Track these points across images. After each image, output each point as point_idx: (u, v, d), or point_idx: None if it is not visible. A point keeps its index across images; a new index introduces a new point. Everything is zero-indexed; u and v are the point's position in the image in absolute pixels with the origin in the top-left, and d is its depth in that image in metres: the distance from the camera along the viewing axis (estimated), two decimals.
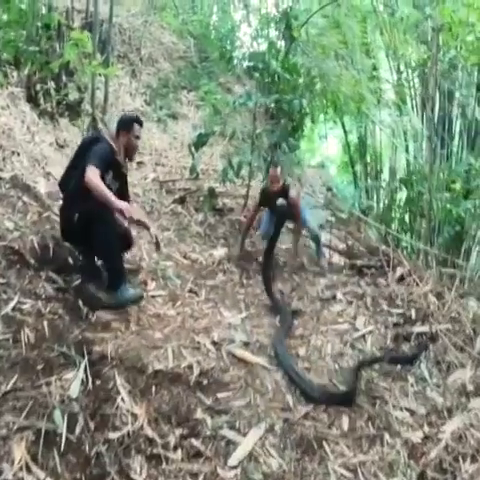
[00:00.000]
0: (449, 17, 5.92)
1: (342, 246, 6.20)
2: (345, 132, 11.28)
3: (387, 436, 2.76)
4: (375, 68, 8.94)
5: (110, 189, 3.53)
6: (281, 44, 7.76)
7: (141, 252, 4.76)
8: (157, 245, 3.83)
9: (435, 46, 6.17)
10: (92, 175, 3.39)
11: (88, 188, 3.36)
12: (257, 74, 6.98)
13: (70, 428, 2.29)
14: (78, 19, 8.27)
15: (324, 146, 16.30)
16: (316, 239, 5.79)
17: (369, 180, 10.41)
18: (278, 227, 4.89)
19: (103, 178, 3.52)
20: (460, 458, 2.43)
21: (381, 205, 9.16)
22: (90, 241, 3.62)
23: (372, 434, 2.77)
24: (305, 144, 11.14)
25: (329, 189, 11.20)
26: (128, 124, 3.99)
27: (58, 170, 5.23)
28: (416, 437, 2.76)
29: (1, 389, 2.41)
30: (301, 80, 7.45)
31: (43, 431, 2.21)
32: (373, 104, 8.02)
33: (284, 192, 5.36)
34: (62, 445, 2.19)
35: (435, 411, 3.03)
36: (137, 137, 4.05)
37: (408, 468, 2.49)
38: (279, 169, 5.52)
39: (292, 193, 5.43)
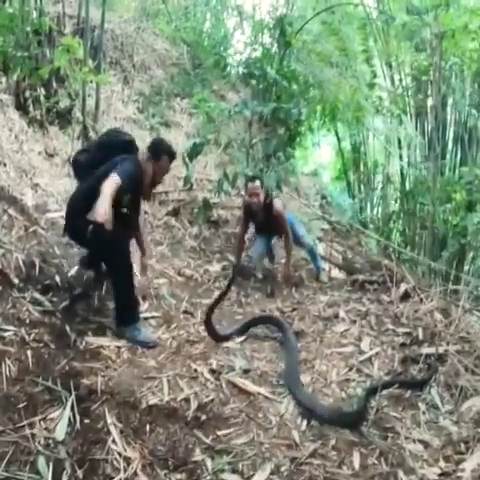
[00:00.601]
0: (451, 24, 5.77)
1: (342, 260, 5.99)
2: (338, 139, 11.17)
3: (401, 473, 2.54)
4: (374, 76, 8.79)
5: (124, 211, 3.59)
6: (275, 51, 7.59)
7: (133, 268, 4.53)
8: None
9: (438, 53, 6.01)
10: (110, 184, 3.35)
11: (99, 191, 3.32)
12: (253, 81, 6.81)
13: (56, 477, 2.06)
14: (69, 25, 8.08)
15: (317, 153, 16.23)
16: (312, 254, 5.63)
17: (363, 188, 10.28)
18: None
19: (121, 197, 3.49)
20: None
21: (376, 215, 9.00)
22: (99, 257, 3.80)
23: (385, 471, 2.55)
24: (298, 151, 11.02)
25: (323, 197, 11.03)
26: (173, 154, 4.05)
27: (47, 181, 5.04)
28: (432, 474, 2.54)
29: None
30: (298, 87, 7.28)
31: None
32: (370, 112, 7.86)
33: (268, 205, 5.22)
34: None
35: (450, 443, 2.81)
36: (166, 171, 4.06)
37: None
38: (258, 183, 5.27)
39: (276, 205, 5.22)
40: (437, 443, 2.81)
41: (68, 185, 5.47)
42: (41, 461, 2.11)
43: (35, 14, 6.31)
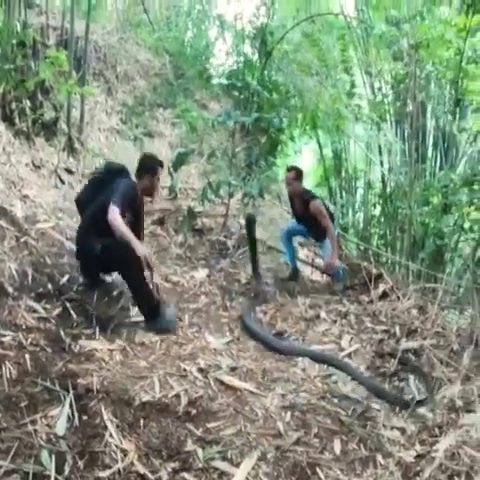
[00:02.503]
0: (427, 33, 6.03)
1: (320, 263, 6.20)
2: (320, 146, 11.35)
3: (379, 457, 2.74)
4: (353, 86, 9.02)
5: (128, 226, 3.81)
6: (257, 60, 7.76)
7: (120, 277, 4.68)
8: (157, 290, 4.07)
9: (414, 62, 6.27)
10: (114, 216, 3.66)
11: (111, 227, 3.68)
12: (235, 92, 6.98)
13: (59, 468, 2.21)
14: (53, 36, 8.18)
15: (299, 160, 16.42)
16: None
17: (344, 194, 10.48)
18: (249, 235, 5.46)
19: (124, 216, 3.79)
20: (455, 476, 2.41)
21: (357, 220, 9.21)
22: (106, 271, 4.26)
23: (364, 456, 2.74)
24: (280, 159, 11.20)
25: None
26: (154, 168, 4.22)
27: (35, 192, 5.16)
28: (409, 456, 2.74)
29: None
30: (279, 97, 7.48)
31: (31, 474, 2.14)
32: (350, 120, 8.08)
33: (306, 202, 5.58)
34: None
35: (426, 429, 3.01)
36: (159, 179, 4.32)
37: None
38: (291, 173, 5.68)
39: (313, 204, 5.51)
40: (413, 429, 3.02)
41: (56, 196, 5.62)
42: (44, 454, 2.26)
43: (19, 26, 6.37)
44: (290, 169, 5.80)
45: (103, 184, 4.08)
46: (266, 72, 7.71)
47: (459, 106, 7.23)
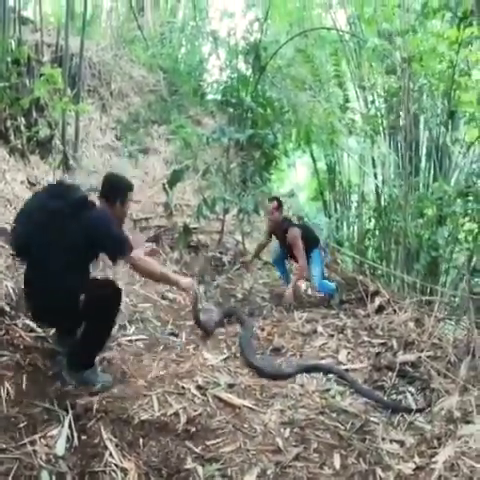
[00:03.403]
0: (419, 47, 6.11)
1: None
2: (314, 160, 11.40)
3: (379, 470, 2.75)
4: (347, 100, 9.10)
5: None
6: (251, 75, 7.83)
7: None
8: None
9: (407, 76, 6.34)
10: (140, 261, 3.28)
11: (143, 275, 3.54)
12: (230, 108, 7.04)
13: None
14: (48, 53, 8.24)
15: (293, 174, 16.47)
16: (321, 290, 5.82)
17: (339, 207, 10.51)
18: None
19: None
20: None
21: (352, 233, 9.24)
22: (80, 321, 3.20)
23: (364, 469, 2.75)
24: (274, 174, 11.24)
25: (300, 218, 11.25)
26: (125, 193, 3.55)
27: None
28: (408, 469, 2.76)
29: None
30: (273, 113, 7.54)
31: None
32: (344, 134, 8.13)
33: (285, 230, 5.65)
34: None
35: (424, 440, 3.03)
36: (129, 206, 3.68)
37: None
38: (273, 203, 5.78)
39: (291, 233, 5.59)
40: (412, 441, 3.03)
41: None
42: (44, 475, 2.27)
43: (14, 43, 6.43)
44: (271, 199, 5.94)
45: (57, 218, 3.09)
46: (260, 87, 7.75)
47: (452, 118, 7.29)
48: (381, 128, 8.71)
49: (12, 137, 6.24)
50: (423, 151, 8.27)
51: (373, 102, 8.88)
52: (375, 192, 8.64)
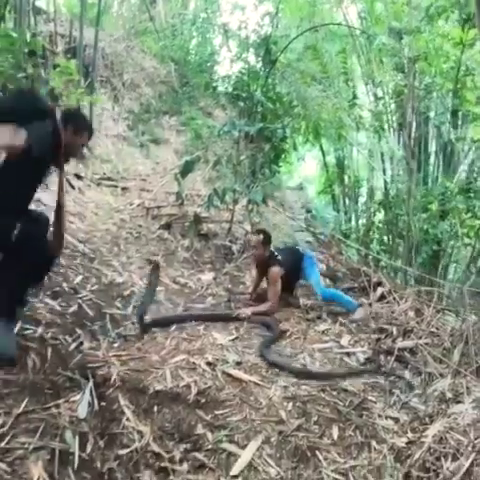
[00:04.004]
0: (425, 47, 6.27)
1: (323, 268, 6.42)
2: (323, 154, 11.57)
3: (374, 443, 2.98)
4: (355, 96, 9.25)
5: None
6: (261, 69, 7.97)
7: (132, 278, 4.94)
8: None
9: (411, 75, 6.52)
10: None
11: None
12: (240, 102, 7.19)
13: (82, 447, 2.45)
14: (61, 44, 8.43)
15: (302, 168, 16.64)
16: (330, 300, 5.32)
17: (347, 201, 10.70)
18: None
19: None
20: (442, 458, 2.64)
21: (360, 227, 9.43)
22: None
23: (360, 442, 2.98)
24: (283, 167, 11.40)
25: (308, 211, 11.46)
26: (80, 124, 3.39)
27: (47, 196, 5.37)
28: (401, 442, 2.99)
29: (13, 412, 2.54)
30: (283, 108, 7.70)
31: (57, 450, 2.37)
32: (352, 129, 8.30)
33: (266, 264, 5.23)
34: (76, 463, 2.35)
35: (417, 418, 3.27)
36: (82, 146, 3.65)
37: (395, 470, 2.72)
38: (258, 237, 5.26)
39: (272, 270, 5.12)
40: (405, 418, 3.27)
41: (66, 201, 5.85)
42: (68, 434, 2.49)
43: (28, 34, 6.59)
44: (258, 232, 5.42)
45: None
46: (270, 81, 7.91)
47: (457, 116, 7.46)
48: (389, 124, 8.87)
49: None
50: (431, 148, 8.44)
51: (381, 98, 9.03)
52: (384, 186, 8.83)
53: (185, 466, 2.50)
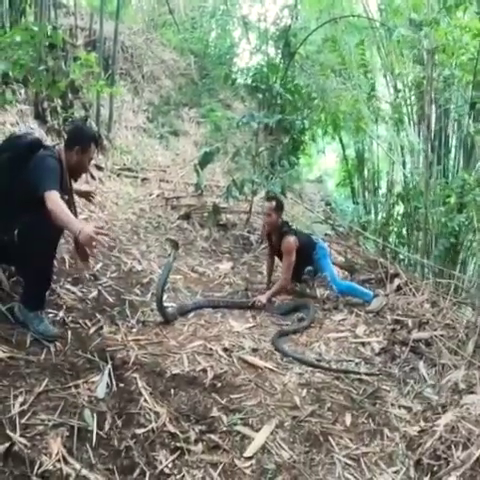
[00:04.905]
0: (444, 38, 6.22)
1: (341, 259, 6.43)
2: (343, 147, 11.53)
3: (386, 431, 3.02)
4: (373, 88, 9.21)
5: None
6: (280, 61, 7.98)
7: (151, 266, 5.01)
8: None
9: (430, 67, 6.48)
10: (55, 201, 2.91)
11: (51, 216, 2.90)
12: (259, 94, 7.22)
13: (100, 425, 2.52)
14: (81, 37, 8.53)
15: (322, 160, 16.59)
16: (346, 293, 5.21)
17: (367, 194, 10.67)
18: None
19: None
20: (453, 447, 2.67)
21: (379, 219, 9.41)
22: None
23: (373, 429, 3.03)
24: (303, 159, 11.39)
25: (328, 203, 11.46)
26: (85, 141, 3.40)
27: None
28: (413, 431, 3.03)
29: (34, 390, 2.62)
30: (301, 100, 7.70)
31: (76, 428, 2.44)
32: (371, 121, 8.28)
33: (279, 233, 5.13)
34: (94, 440, 2.42)
35: (430, 408, 3.29)
36: (91, 159, 3.55)
37: (406, 458, 2.75)
38: (272, 203, 5.16)
39: (286, 240, 5.02)
40: (418, 408, 3.29)
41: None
42: (87, 412, 2.57)
43: (49, 28, 6.70)
44: (270, 199, 5.34)
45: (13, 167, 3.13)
46: (289, 73, 7.91)
47: (475, 108, 7.39)
48: (409, 117, 8.82)
49: (49, 118, 6.56)
50: (451, 141, 8.37)
51: (401, 91, 8.98)
52: (403, 180, 8.79)
53: (200, 446, 2.56)
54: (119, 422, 2.60)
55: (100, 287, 4.19)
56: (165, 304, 4.10)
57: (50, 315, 3.45)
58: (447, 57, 6.97)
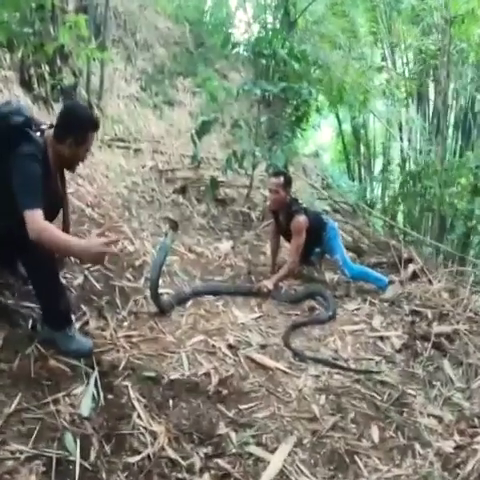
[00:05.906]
0: (460, 9, 5.79)
1: (348, 239, 6.00)
2: (339, 122, 11.18)
3: (418, 446, 2.64)
4: (383, 58, 8.80)
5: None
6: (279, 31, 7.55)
7: (144, 246, 4.53)
8: None
9: (447, 38, 6.00)
10: (38, 226, 2.32)
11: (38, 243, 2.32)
12: (263, 60, 6.74)
13: (84, 453, 2.07)
14: (72, 1, 8.03)
15: (317, 135, 16.21)
16: (358, 278, 4.81)
17: (363, 170, 10.37)
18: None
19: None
20: None
21: (383, 198, 9.06)
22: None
23: (403, 444, 2.64)
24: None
25: (323, 178, 11.07)
26: (82, 130, 2.74)
27: None
28: (448, 446, 2.65)
29: (4, 411, 2.16)
30: (307, 68, 7.25)
31: (54, 459, 1.99)
32: (376, 95, 7.90)
33: (288, 212, 4.68)
34: (76, 474, 1.97)
35: (464, 418, 2.93)
36: (88, 149, 2.88)
37: None
38: (279, 179, 4.63)
39: (297, 219, 4.57)
40: (450, 418, 2.92)
41: None
42: (68, 437, 2.11)
43: None
44: (277, 174, 4.76)
45: None
46: (288, 43, 7.47)
47: None
48: (411, 92, 8.45)
49: (36, 85, 6.10)
50: (451, 118, 8.03)
51: (406, 64, 8.59)
52: (401, 157, 8.46)
53: (206, 477, 2.12)
54: (107, 448, 2.15)
55: (86, 272, 3.69)
56: (160, 291, 3.64)
57: (25, 310, 2.94)
58: (462, 29, 6.51)
